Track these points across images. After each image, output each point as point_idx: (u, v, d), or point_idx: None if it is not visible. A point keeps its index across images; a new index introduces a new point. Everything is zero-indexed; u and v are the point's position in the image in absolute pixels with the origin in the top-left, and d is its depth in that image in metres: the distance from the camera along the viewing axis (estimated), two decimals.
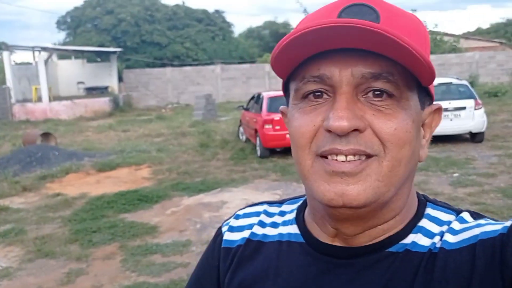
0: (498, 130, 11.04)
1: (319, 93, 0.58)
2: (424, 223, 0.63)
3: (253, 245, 0.73)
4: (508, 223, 0.56)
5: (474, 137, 9.76)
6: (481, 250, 0.55)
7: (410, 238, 0.62)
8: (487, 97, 16.59)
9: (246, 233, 0.75)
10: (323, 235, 0.66)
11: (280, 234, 0.72)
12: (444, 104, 8.92)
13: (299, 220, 0.71)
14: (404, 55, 0.52)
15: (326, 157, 0.57)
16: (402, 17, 0.60)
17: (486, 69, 23.13)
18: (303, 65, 0.58)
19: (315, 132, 0.58)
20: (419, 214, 0.64)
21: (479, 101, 9.75)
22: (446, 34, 25.86)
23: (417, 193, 0.67)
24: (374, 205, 0.57)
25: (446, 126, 9.14)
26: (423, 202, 0.66)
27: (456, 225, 0.61)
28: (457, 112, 9.42)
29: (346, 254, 0.63)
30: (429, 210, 0.65)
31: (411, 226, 0.63)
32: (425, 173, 7.37)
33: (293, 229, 0.71)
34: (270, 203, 0.79)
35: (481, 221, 0.60)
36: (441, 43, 24.40)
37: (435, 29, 24.65)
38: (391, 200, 0.59)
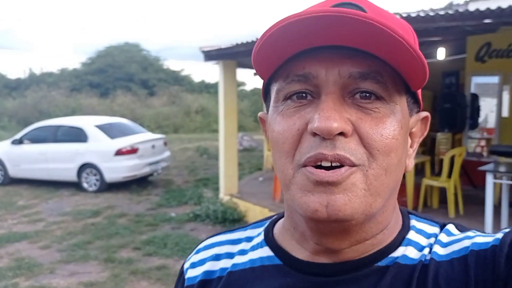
0: None
1: (303, 94, 0.54)
2: (412, 235, 0.60)
3: (224, 279, 0.65)
4: (499, 235, 0.54)
5: None
6: (473, 261, 0.53)
7: (400, 251, 0.59)
8: None
9: (211, 266, 0.68)
10: (303, 253, 0.60)
11: (251, 260, 0.65)
12: None
13: (270, 241, 0.65)
14: (396, 50, 0.49)
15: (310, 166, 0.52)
16: (390, 18, 0.57)
17: None
18: (287, 64, 0.54)
19: (299, 136, 0.53)
20: (406, 226, 0.62)
21: None
22: None
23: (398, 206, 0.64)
24: (361, 217, 0.53)
25: None
26: (405, 213, 0.64)
27: (444, 238, 0.59)
28: None
29: (332, 270, 0.58)
30: (414, 222, 0.63)
31: (400, 239, 0.60)
32: None
33: (265, 251, 0.64)
34: (232, 230, 0.73)
35: (470, 233, 0.58)
36: None
37: None
38: (378, 212, 0.55)
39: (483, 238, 0.56)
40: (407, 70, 0.52)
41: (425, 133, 0.63)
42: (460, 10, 5.47)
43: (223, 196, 7.46)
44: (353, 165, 0.51)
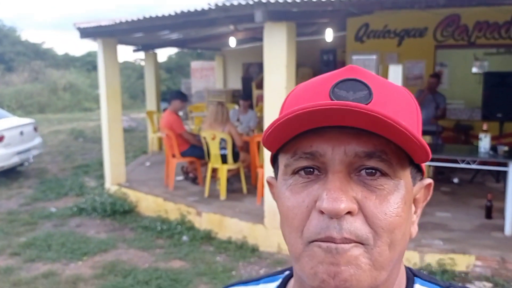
0: None
1: (311, 169, 0.57)
2: None
3: None
4: None
5: None
6: None
7: None
8: None
9: None
10: None
11: None
12: None
13: None
14: (398, 136, 0.52)
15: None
16: (394, 92, 0.59)
17: None
18: (295, 139, 0.57)
19: (308, 213, 0.56)
20: None
21: None
22: None
23: (405, 267, 0.66)
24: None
25: None
26: (411, 277, 0.66)
27: None
28: None
29: None
30: (418, 287, 0.65)
31: None
32: None
33: None
34: (246, 283, 0.77)
35: None
36: None
37: None
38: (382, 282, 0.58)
39: None
40: (410, 149, 0.55)
41: (429, 198, 0.66)
42: None
43: (110, 186, 6.93)
44: (360, 243, 0.54)
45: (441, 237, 4.59)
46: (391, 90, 0.59)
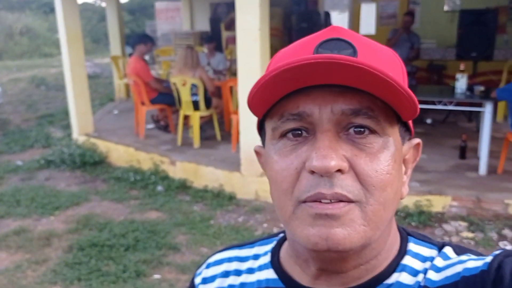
0: None
1: (299, 131, 0.57)
2: (407, 260, 0.63)
3: None
4: (488, 259, 0.56)
5: None
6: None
7: (394, 278, 0.61)
8: None
9: (220, 283, 0.74)
10: (305, 278, 0.65)
11: (259, 281, 0.70)
12: None
13: (275, 263, 0.70)
14: (386, 89, 0.52)
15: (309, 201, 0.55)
16: (378, 51, 0.59)
17: None
18: (281, 102, 0.57)
19: (298, 175, 0.56)
20: (402, 250, 0.64)
21: None
22: None
23: (398, 227, 0.66)
24: (359, 248, 0.56)
25: None
26: (404, 236, 0.66)
27: (439, 262, 0.61)
28: None
29: None
30: (411, 246, 0.65)
31: (395, 265, 0.62)
32: None
33: (270, 273, 0.69)
34: (240, 246, 0.78)
35: (463, 257, 0.60)
36: None
37: None
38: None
39: (475, 262, 0.57)
40: (397, 105, 0.55)
41: (418, 159, 0.66)
42: None
43: (78, 136, 6.66)
44: (351, 201, 0.54)
45: (417, 179, 4.63)
46: (375, 49, 0.59)
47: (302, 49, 0.58)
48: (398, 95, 0.52)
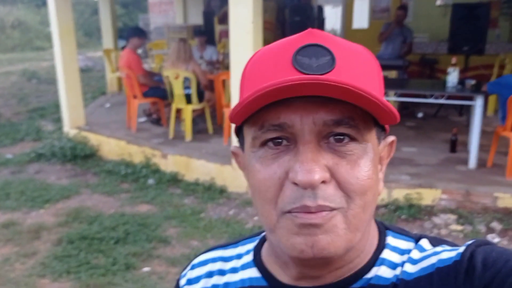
0: None
1: (279, 140, 0.57)
2: (386, 254, 0.64)
3: None
4: (461, 249, 0.57)
5: None
6: (438, 279, 0.57)
7: (373, 272, 0.62)
8: None
9: (205, 283, 0.74)
10: (286, 277, 0.66)
11: (242, 280, 0.71)
12: None
13: (258, 262, 0.71)
14: (365, 102, 0.53)
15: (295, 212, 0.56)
16: (355, 54, 0.59)
17: None
18: (261, 111, 0.56)
19: (281, 185, 0.57)
20: (381, 245, 0.65)
21: None
22: None
23: (376, 221, 0.67)
24: (343, 252, 0.57)
25: None
26: (383, 230, 0.67)
27: (416, 254, 0.62)
28: None
29: None
30: (390, 239, 0.66)
31: (374, 259, 0.63)
32: None
33: (253, 272, 0.70)
34: (224, 246, 0.78)
35: (438, 248, 0.61)
36: None
37: None
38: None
39: (448, 253, 0.58)
40: (379, 115, 0.56)
41: (392, 154, 0.67)
42: None
43: (69, 129, 6.62)
44: (333, 209, 0.55)
45: (408, 172, 4.64)
46: (352, 52, 0.58)
47: (280, 56, 0.57)
48: (376, 106, 0.53)
